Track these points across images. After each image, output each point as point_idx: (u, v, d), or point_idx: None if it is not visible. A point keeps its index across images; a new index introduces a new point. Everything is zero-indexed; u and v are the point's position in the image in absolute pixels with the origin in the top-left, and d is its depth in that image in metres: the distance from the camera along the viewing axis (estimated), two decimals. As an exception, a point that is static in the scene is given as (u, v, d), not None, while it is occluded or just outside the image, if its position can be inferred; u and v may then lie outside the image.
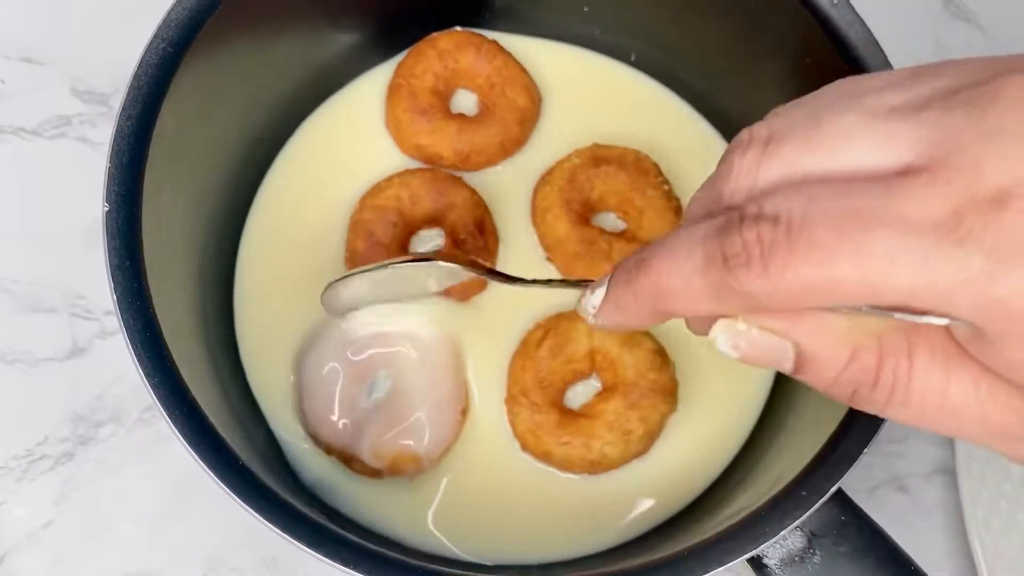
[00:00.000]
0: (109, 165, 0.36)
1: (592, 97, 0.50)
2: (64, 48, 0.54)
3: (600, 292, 0.27)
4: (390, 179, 0.46)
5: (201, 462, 0.33)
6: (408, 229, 0.46)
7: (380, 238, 0.45)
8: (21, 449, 0.48)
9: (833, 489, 0.34)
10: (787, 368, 0.25)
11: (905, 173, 0.22)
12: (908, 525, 0.50)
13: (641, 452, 0.43)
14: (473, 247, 0.45)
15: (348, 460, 0.43)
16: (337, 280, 0.40)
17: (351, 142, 0.48)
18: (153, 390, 0.34)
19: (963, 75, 0.23)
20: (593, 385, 0.45)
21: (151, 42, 0.38)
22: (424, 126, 0.46)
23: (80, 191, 0.46)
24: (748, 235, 0.22)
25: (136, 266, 0.35)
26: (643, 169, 0.46)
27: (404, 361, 0.43)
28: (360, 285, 0.40)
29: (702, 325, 0.27)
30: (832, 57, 0.40)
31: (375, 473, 0.42)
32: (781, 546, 0.35)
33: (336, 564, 0.33)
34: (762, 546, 0.34)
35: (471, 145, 0.46)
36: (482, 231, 0.45)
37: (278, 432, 0.44)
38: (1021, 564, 0.46)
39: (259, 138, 0.47)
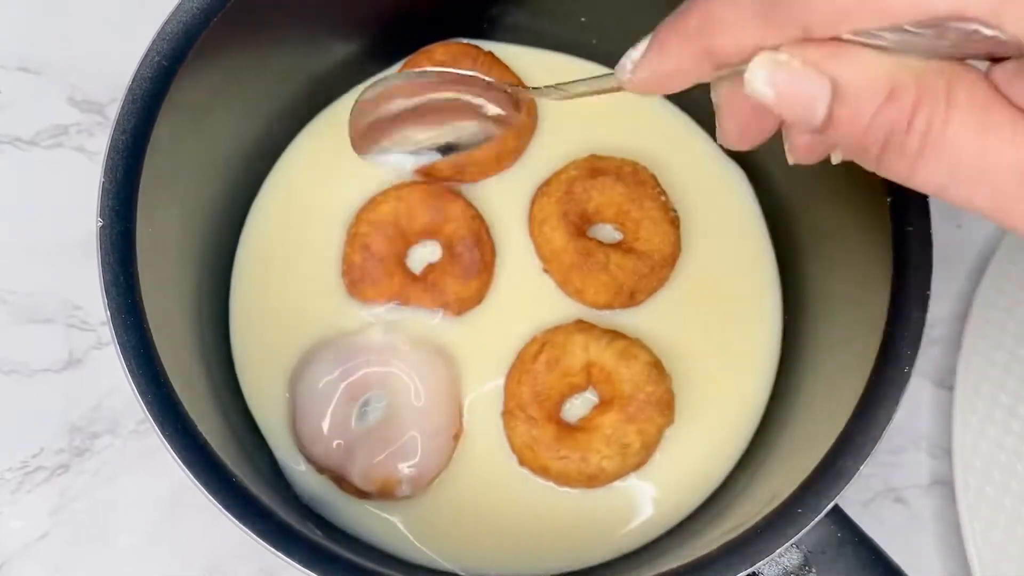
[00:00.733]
0: (103, 180, 0.36)
1: (589, 108, 0.49)
2: (61, 58, 0.54)
3: (643, 44, 0.26)
4: (386, 193, 0.46)
5: (194, 479, 0.33)
6: (405, 242, 0.46)
7: (376, 251, 0.45)
8: (17, 461, 0.48)
9: (829, 506, 0.34)
10: (820, 114, 0.23)
11: None
12: (905, 538, 0.50)
13: (638, 465, 0.43)
14: (470, 260, 0.45)
15: (339, 481, 0.42)
16: (371, 85, 0.38)
17: (347, 155, 0.48)
18: (146, 406, 0.34)
19: None
20: (590, 399, 0.45)
21: (146, 55, 0.38)
22: None
23: (77, 201, 0.46)
24: None
25: (130, 281, 0.35)
26: (640, 180, 0.46)
27: (398, 382, 0.43)
28: (397, 99, 0.38)
29: (749, 114, 0.28)
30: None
31: (364, 495, 0.42)
32: (777, 563, 0.35)
33: (330, 582, 0.33)
34: (758, 564, 0.34)
35: (468, 157, 0.46)
36: (479, 244, 0.45)
37: (273, 449, 0.44)
38: (1019, 578, 0.46)
39: (255, 150, 0.47)
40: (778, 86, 0.24)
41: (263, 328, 0.45)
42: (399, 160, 0.41)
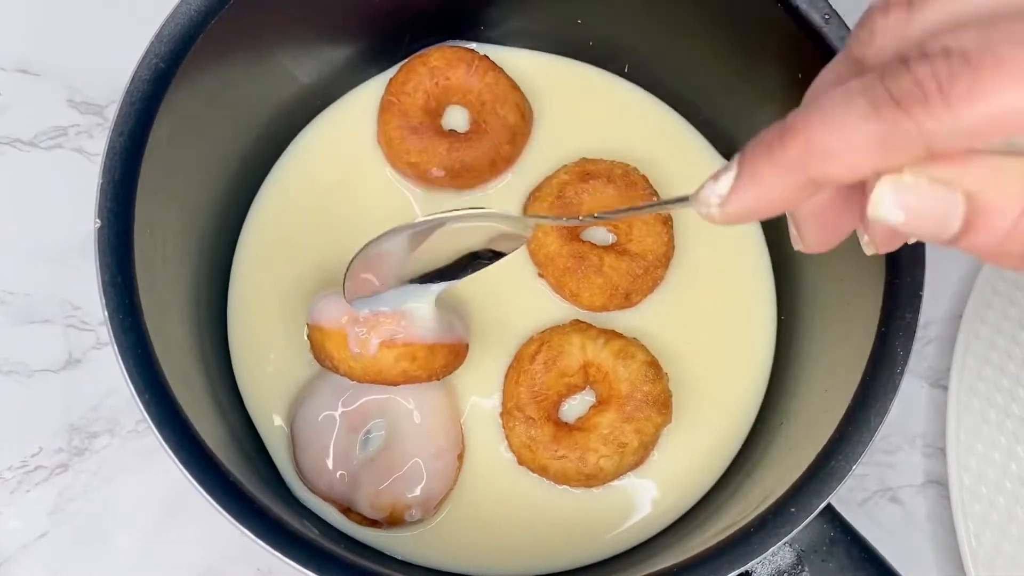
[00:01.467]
0: (101, 181, 0.36)
1: (585, 109, 0.50)
2: (60, 59, 0.54)
3: (728, 176, 0.24)
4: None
5: (191, 478, 0.33)
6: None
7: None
8: (16, 460, 0.49)
9: (822, 505, 0.34)
10: (953, 228, 0.23)
11: None
12: (900, 536, 0.50)
13: (636, 464, 0.44)
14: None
15: (346, 511, 0.42)
16: (372, 241, 0.38)
17: (343, 157, 0.48)
18: (144, 406, 0.34)
19: None
20: (587, 398, 0.45)
21: (143, 57, 0.38)
22: (415, 144, 0.46)
23: (76, 202, 0.46)
24: (920, 71, 0.20)
25: (128, 282, 0.35)
26: (631, 182, 0.46)
27: (398, 408, 0.43)
28: (396, 244, 0.38)
29: (836, 219, 0.26)
30: (824, 71, 0.40)
31: (374, 524, 0.42)
32: (770, 562, 0.35)
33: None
34: (751, 562, 0.34)
35: (462, 163, 0.46)
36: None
37: (274, 456, 0.44)
38: (1013, 577, 0.46)
39: (253, 152, 0.47)
40: (908, 208, 0.23)
41: (261, 330, 0.45)
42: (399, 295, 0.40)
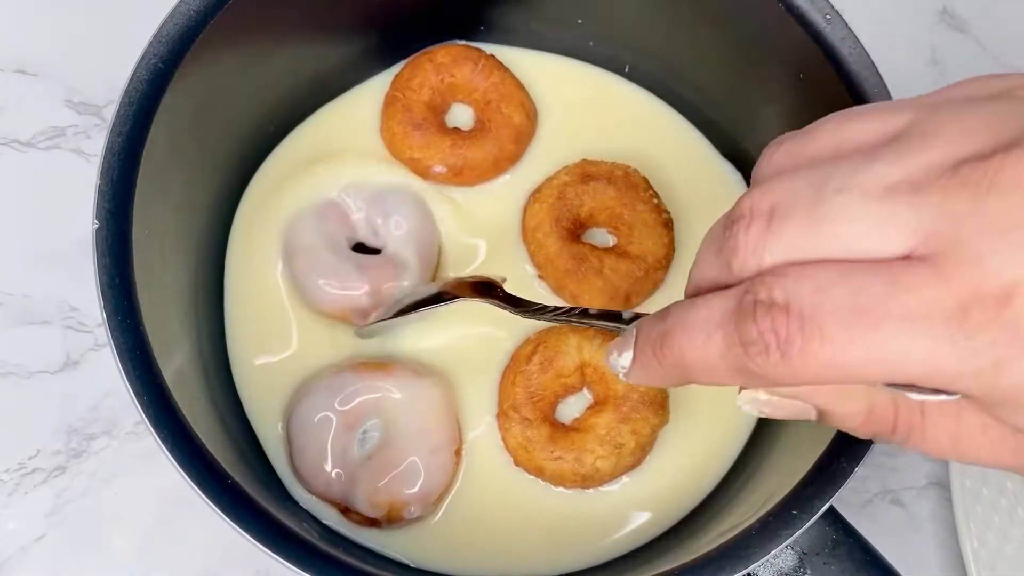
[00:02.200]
0: (99, 182, 0.36)
1: (586, 110, 0.50)
2: (58, 60, 0.54)
3: (627, 355, 0.29)
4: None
5: (189, 480, 0.33)
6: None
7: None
8: (14, 462, 0.48)
9: (824, 508, 0.34)
10: (811, 419, 0.27)
11: (908, 259, 0.23)
12: (902, 539, 0.50)
13: (633, 466, 0.43)
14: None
15: (345, 511, 0.42)
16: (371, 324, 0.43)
17: (345, 152, 0.48)
18: (142, 408, 0.34)
19: (962, 141, 0.23)
20: (584, 399, 0.45)
21: (142, 58, 0.38)
22: (418, 140, 0.46)
23: (74, 203, 0.45)
24: (763, 325, 0.23)
25: (126, 283, 0.35)
26: (632, 184, 0.46)
27: (393, 406, 0.43)
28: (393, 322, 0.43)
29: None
30: (826, 71, 0.40)
31: (372, 523, 0.42)
32: (772, 565, 0.35)
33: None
34: (753, 565, 0.34)
35: (464, 160, 0.46)
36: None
37: (272, 458, 0.44)
38: (1015, 579, 0.46)
39: (252, 152, 0.47)
40: (766, 412, 0.28)
41: (257, 331, 0.45)
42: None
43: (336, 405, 0.42)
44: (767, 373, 0.24)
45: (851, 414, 0.26)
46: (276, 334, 0.45)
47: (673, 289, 0.47)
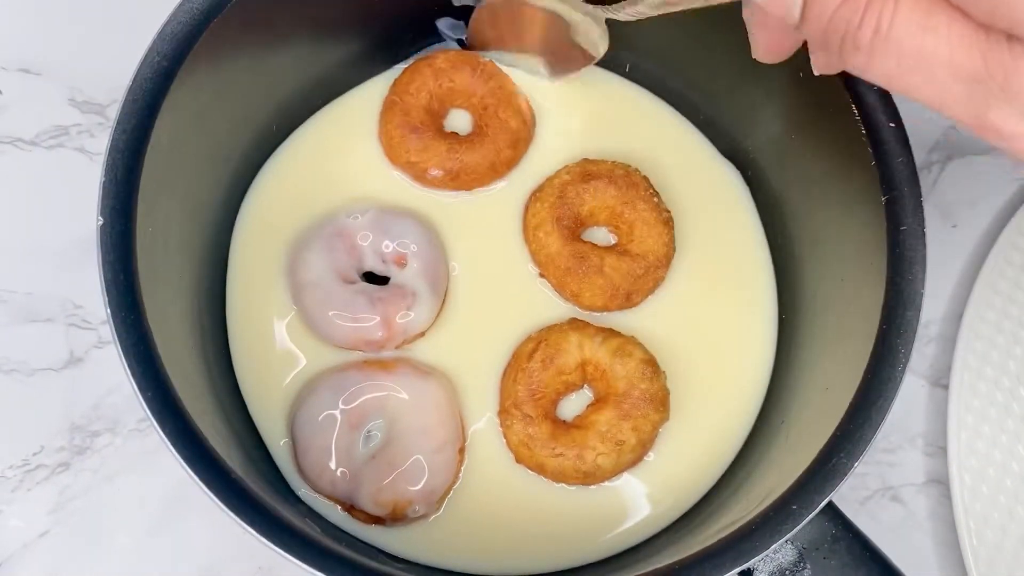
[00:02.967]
0: (104, 178, 0.36)
1: (586, 109, 0.50)
2: (62, 59, 0.54)
3: None
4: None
5: (193, 475, 0.33)
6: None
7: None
8: (17, 459, 0.49)
9: (823, 503, 0.34)
10: (796, 13, 0.27)
11: None
12: (901, 535, 0.50)
13: (634, 462, 0.44)
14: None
15: (350, 509, 0.42)
16: None
17: (342, 154, 0.48)
18: (146, 403, 0.34)
19: None
20: (585, 396, 0.45)
21: (146, 56, 0.38)
22: (415, 143, 0.46)
23: (77, 201, 0.46)
24: None
25: (130, 280, 0.36)
26: (632, 183, 0.46)
27: (398, 404, 0.43)
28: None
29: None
30: (826, 70, 0.40)
31: (377, 521, 0.42)
32: (772, 560, 0.35)
33: (328, 577, 0.33)
34: (753, 560, 0.34)
35: (461, 164, 0.46)
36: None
37: (274, 453, 0.44)
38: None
39: (255, 150, 0.47)
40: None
41: (259, 328, 0.45)
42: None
43: (340, 403, 0.42)
44: None
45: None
46: (280, 332, 0.45)
47: (674, 288, 0.47)
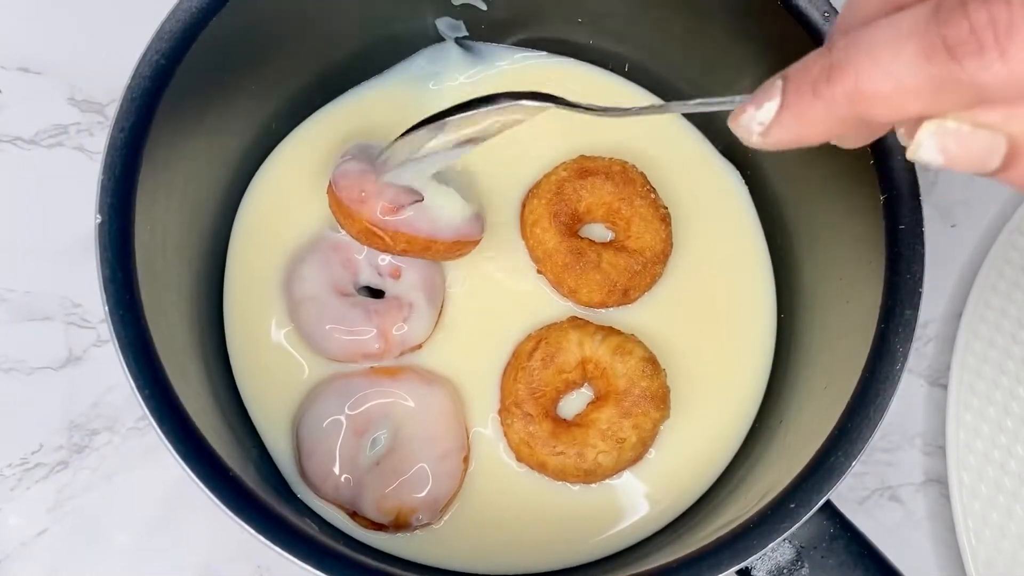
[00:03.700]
0: (102, 177, 0.36)
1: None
2: (61, 58, 0.54)
3: (771, 106, 0.24)
4: None
5: (191, 473, 0.33)
6: None
7: None
8: (16, 457, 0.49)
9: (821, 502, 0.34)
10: (992, 165, 0.23)
11: None
12: (900, 535, 0.50)
13: (635, 460, 0.44)
14: None
15: (352, 515, 0.42)
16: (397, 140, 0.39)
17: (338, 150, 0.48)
18: (144, 401, 0.34)
19: None
20: (586, 394, 0.45)
21: (144, 54, 0.38)
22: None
23: (77, 200, 0.46)
24: (977, 17, 0.20)
25: (129, 278, 0.36)
26: (629, 179, 0.46)
27: (403, 411, 0.43)
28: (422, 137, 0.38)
29: (874, 132, 0.26)
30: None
31: (380, 527, 0.42)
32: (770, 558, 0.35)
33: (326, 576, 0.33)
34: (751, 558, 0.34)
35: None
36: None
37: (272, 452, 0.44)
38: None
39: (254, 148, 0.47)
40: (948, 151, 0.23)
41: (258, 326, 0.45)
42: (421, 167, 0.40)
43: (346, 409, 0.42)
44: (979, 78, 0.20)
45: None
46: (278, 330, 0.45)
47: (672, 284, 0.47)
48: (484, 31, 0.50)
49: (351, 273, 0.45)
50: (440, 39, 0.50)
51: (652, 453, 0.44)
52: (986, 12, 0.20)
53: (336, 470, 0.42)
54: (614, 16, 0.48)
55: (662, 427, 0.44)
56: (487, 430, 0.44)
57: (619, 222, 0.46)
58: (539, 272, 0.46)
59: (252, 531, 0.33)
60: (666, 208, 0.46)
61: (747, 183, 0.49)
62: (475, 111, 0.36)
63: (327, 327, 0.43)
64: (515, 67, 0.50)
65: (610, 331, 0.44)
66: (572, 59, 0.51)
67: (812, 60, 0.23)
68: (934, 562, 0.50)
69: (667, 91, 0.50)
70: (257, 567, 0.48)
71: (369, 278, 0.45)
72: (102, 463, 0.49)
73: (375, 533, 0.42)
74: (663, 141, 0.49)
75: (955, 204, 0.56)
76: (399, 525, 0.42)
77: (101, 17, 0.55)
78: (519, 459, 0.44)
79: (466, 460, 0.44)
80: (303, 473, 0.42)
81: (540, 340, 0.44)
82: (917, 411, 0.52)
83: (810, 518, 0.34)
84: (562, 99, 0.36)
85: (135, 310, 0.35)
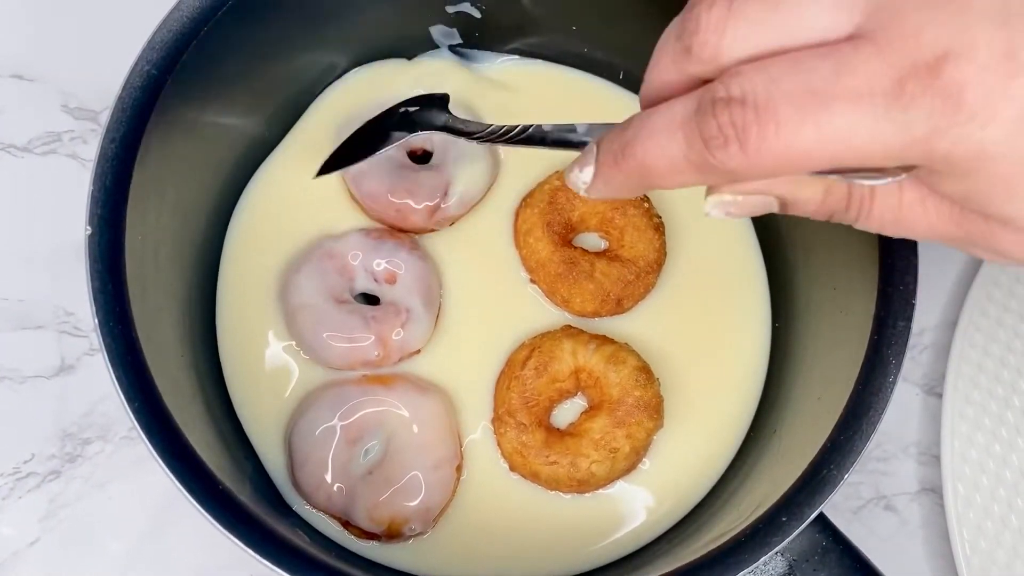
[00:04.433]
0: (92, 188, 0.36)
1: (578, 116, 0.49)
2: (54, 65, 0.54)
3: (589, 170, 0.30)
4: None
5: (180, 486, 0.33)
6: None
7: None
8: (8, 467, 0.48)
9: (814, 515, 0.34)
10: (774, 210, 0.29)
11: (853, 39, 0.24)
12: (895, 544, 0.50)
13: (628, 470, 0.44)
14: None
15: (345, 524, 0.42)
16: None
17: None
18: (133, 414, 0.34)
19: None
20: (579, 403, 0.45)
21: (135, 64, 0.38)
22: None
23: (70, 208, 0.45)
24: (722, 118, 0.25)
25: (119, 289, 0.35)
26: (623, 189, 0.46)
27: (396, 420, 0.43)
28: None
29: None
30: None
31: (373, 537, 0.42)
32: (761, 571, 0.35)
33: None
34: (742, 572, 0.34)
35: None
36: None
37: (266, 464, 0.44)
38: (1007, 585, 0.46)
39: (246, 157, 0.47)
40: (731, 212, 0.29)
41: (250, 336, 0.45)
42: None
43: (338, 418, 0.42)
44: (728, 166, 0.25)
45: (808, 200, 0.28)
46: (270, 340, 0.45)
47: (665, 294, 0.47)
48: (478, 39, 0.50)
49: (347, 280, 0.45)
50: (434, 47, 0.50)
51: (646, 463, 0.44)
52: (727, 114, 0.25)
53: (328, 479, 0.41)
54: (608, 24, 0.48)
55: (656, 437, 0.44)
56: (480, 439, 0.44)
57: (613, 231, 0.46)
58: (532, 281, 0.46)
59: (243, 545, 0.33)
60: (660, 217, 0.46)
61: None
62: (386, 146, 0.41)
63: (324, 335, 0.43)
64: (508, 74, 0.49)
65: (604, 340, 0.44)
66: (566, 67, 0.51)
67: (615, 134, 0.28)
68: (928, 572, 0.49)
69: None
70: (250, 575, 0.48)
71: (365, 284, 0.45)
72: (94, 472, 0.49)
73: (368, 543, 0.42)
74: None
75: (951, 211, 0.55)
76: (392, 535, 0.42)
77: (94, 25, 0.55)
78: (512, 468, 0.44)
79: (459, 469, 0.43)
80: (295, 482, 0.42)
81: (533, 349, 0.44)
82: (912, 420, 0.52)
83: (802, 531, 0.34)
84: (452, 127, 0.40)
85: (125, 321, 0.35)
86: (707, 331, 0.46)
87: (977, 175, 0.24)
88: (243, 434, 0.44)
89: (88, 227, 0.36)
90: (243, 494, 0.35)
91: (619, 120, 0.29)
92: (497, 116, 0.48)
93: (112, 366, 0.34)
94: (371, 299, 0.46)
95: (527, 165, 0.48)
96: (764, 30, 0.25)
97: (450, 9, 0.47)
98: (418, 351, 0.45)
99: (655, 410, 0.43)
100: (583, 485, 0.43)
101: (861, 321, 0.38)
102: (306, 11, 0.44)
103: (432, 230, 0.47)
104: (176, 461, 0.34)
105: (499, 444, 0.44)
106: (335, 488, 0.41)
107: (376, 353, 0.43)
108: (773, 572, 0.35)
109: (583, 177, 0.30)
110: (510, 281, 0.46)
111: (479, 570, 0.43)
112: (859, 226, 0.29)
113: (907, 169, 0.26)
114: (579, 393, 0.45)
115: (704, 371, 0.46)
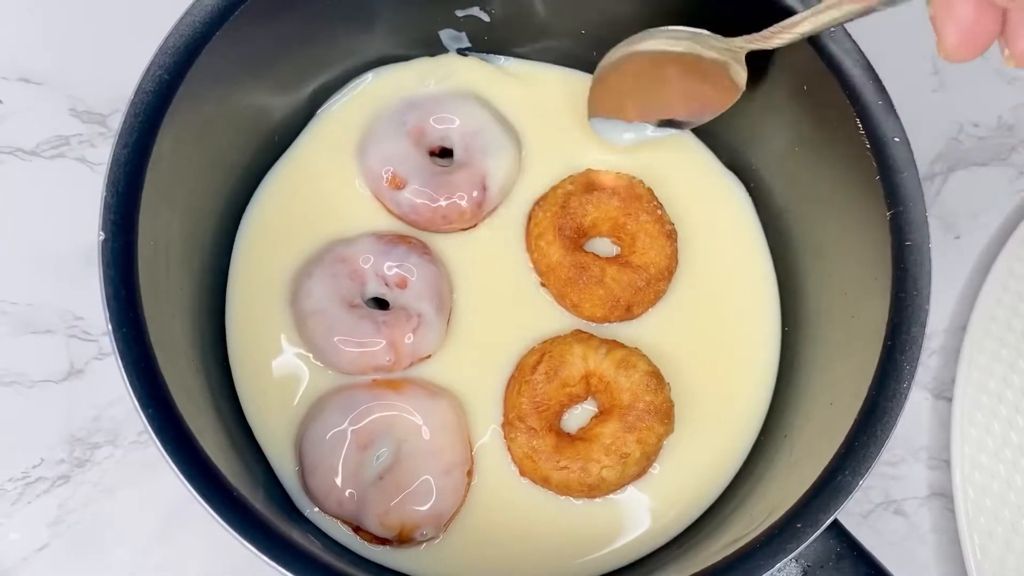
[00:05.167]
0: (105, 194, 0.36)
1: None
2: (63, 69, 0.54)
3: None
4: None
5: (193, 491, 0.33)
6: None
7: None
8: (17, 471, 0.48)
9: (828, 521, 0.34)
10: None
11: None
12: (904, 549, 0.50)
13: (639, 475, 0.43)
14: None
15: (356, 530, 0.42)
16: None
17: (341, 165, 0.48)
18: (147, 420, 0.34)
19: None
20: (589, 408, 0.45)
21: (148, 69, 0.38)
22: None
23: (78, 212, 0.46)
24: None
25: (132, 295, 0.35)
26: (636, 195, 0.46)
27: (407, 425, 0.42)
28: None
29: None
30: (829, 82, 0.40)
31: (384, 542, 0.42)
32: (776, 577, 0.35)
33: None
34: (758, 578, 0.34)
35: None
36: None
37: (277, 469, 0.44)
38: (1018, 590, 0.46)
39: (256, 162, 0.47)
40: None
41: (260, 340, 0.45)
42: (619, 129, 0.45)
43: (349, 423, 0.42)
44: None
45: None
46: (281, 344, 0.45)
47: (676, 300, 0.47)
48: (487, 42, 0.50)
49: (358, 284, 0.45)
50: (444, 50, 0.50)
51: (656, 468, 0.44)
52: None
53: (339, 484, 0.41)
54: (618, 28, 0.47)
55: (666, 442, 0.44)
56: (491, 444, 0.44)
57: (624, 237, 0.46)
58: (542, 285, 0.46)
59: (255, 550, 0.33)
60: (672, 224, 0.46)
61: (752, 197, 0.49)
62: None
63: (336, 340, 0.43)
64: (521, 78, 0.49)
65: (614, 345, 0.44)
66: (576, 70, 0.51)
67: None
68: (939, 576, 0.50)
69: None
70: (259, 581, 0.48)
71: (376, 289, 0.45)
72: (103, 477, 0.49)
73: (379, 548, 0.42)
74: (668, 156, 0.49)
75: (959, 215, 0.55)
76: (403, 540, 0.41)
77: (102, 28, 0.55)
78: (522, 473, 0.44)
79: (470, 474, 0.43)
80: (306, 487, 0.42)
81: (544, 353, 0.44)
82: (922, 424, 0.52)
83: (817, 537, 0.34)
84: None
85: (138, 327, 0.35)
86: (717, 337, 0.46)
87: None
88: (254, 439, 0.44)
89: (101, 233, 0.36)
90: (256, 500, 0.35)
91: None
92: (520, 110, 0.49)
93: (126, 372, 0.34)
94: (382, 304, 0.46)
95: (541, 168, 0.48)
96: None
97: (459, 13, 0.47)
98: (429, 356, 0.45)
99: (666, 415, 0.43)
100: (594, 490, 0.43)
101: (873, 326, 0.38)
102: (317, 16, 0.43)
103: (472, 226, 0.47)
104: (190, 467, 0.34)
105: (509, 449, 0.44)
106: (346, 493, 0.41)
107: (388, 358, 0.43)
108: (788, 578, 0.35)
109: None
110: (521, 285, 0.46)
111: (490, 574, 0.43)
112: None
113: None
114: (589, 398, 0.45)
115: (714, 376, 0.46)
